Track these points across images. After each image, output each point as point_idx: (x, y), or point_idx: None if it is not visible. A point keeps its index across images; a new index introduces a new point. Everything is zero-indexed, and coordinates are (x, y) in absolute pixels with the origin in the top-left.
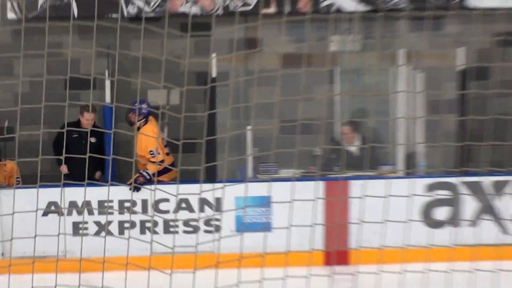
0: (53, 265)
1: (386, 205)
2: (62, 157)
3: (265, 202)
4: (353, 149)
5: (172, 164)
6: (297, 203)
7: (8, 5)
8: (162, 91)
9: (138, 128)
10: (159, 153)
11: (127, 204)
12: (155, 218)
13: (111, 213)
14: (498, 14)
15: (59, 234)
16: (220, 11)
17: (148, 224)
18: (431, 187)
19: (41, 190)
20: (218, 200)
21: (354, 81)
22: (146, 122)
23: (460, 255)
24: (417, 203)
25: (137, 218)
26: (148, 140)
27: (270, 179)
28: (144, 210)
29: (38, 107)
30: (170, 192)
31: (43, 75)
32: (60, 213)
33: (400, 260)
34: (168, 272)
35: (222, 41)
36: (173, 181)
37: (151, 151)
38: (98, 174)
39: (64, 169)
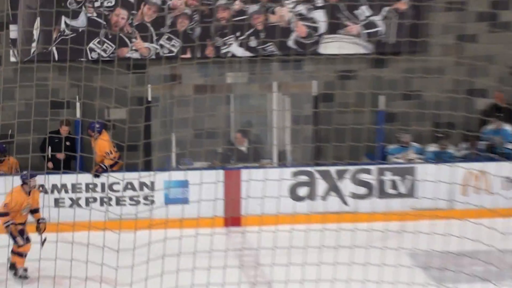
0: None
1: (265, 185)
2: (45, 155)
3: (183, 184)
4: (243, 148)
5: (120, 158)
6: (205, 185)
7: (11, 52)
8: (113, 109)
9: (96, 138)
10: (111, 153)
11: (91, 186)
12: (110, 195)
13: (80, 192)
14: (337, 58)
15: (43, 206)
16: (153, 56)
17: (105, 199)
18: (295, 174)
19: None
20: (152, 183)
21: (243, 103)
22: (100, 133)
23: (315, 219)
24: (286, 184)
25: (97, 195)
26: (104, 144)
27: (186, 169)
28: (102, 190)
29: (30, 121)
30: (119, 177)
31: (33, 99)
32: (45, 192)
33: (274, 222)
34: (117, 232)
35: (155, 76)
36: (121, 170)
37: (106, 152)
38: (61, 155)
39: (50, 165)
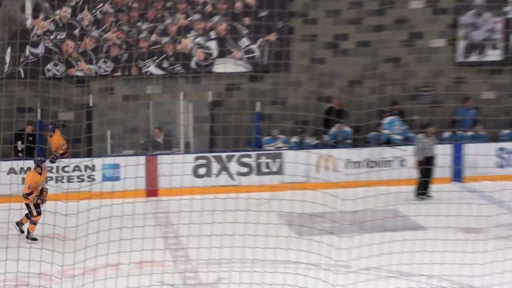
0: (10, 199)
1: (174, 167)
2: (14, 146)
3: (115, 166)
4: (159, 140)
5: (68, 148)
6: (131, 167)
7: None
8: (63, 113)
9: (51, 135)
10: (63, 145)
11: (48, 168)
12: (62, 175)
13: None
14: (225, 74)
15: (11, 183)
16: (93, 74)
17: (59, 178)
18: (196, 158)
19: (4, 162)
20: (93, 166)
21: (158, 107)
22: (54, 131)
23: (209, 191)
24: (190, 166)
25: (53, 175)
26: (57, 139)
27: (118, 155)
28: (57, 171)
29: (1, 122)
30: (67, 162)
31: (4, 106)
32: (15, 173)
33: (179, 193)
34: (65, 202)
35: (95, 88)
36: (69, 157)
37: (59, 144)
38: (20, 146)
39: (20, 154)
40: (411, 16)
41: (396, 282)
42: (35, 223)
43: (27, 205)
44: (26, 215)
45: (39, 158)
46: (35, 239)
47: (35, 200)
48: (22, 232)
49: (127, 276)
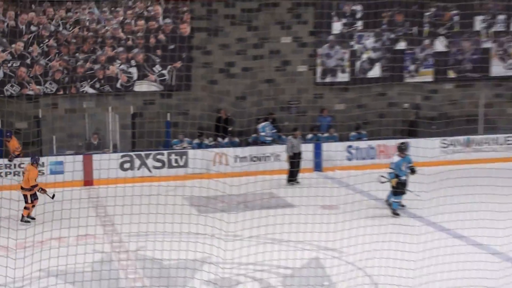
0: None
1: (104, 163)
2: None
3: (60, 163)
4: (95, 142)
5: (22, 150)
6: (71, 163)
7: None
8: (18, 122)
9: (9, 140)
10: (18, 148)
11: (7, 165)
12: (18, 170)
13: (1, 169)
14: (143, 92)
15: None
16: (41, 93)
17: (15, 173)
18: (122, 156)
19: None
20: (42, 163)
21: (93, 118)
22: (11, 137)
23: (131, 181)
24: (117, 162)
25: (11, 170)
26: (13, 143)
27: (62, 154)
28: (14, 168)
29: None
30: (22, 161)
31: None
32: None
33: (108, 183)
34: (19, 190)
35: (43, 104)
36: (22, 157)
37: (16, 147)
38: None
39: None
40: (282, 48)
41: (272, 247)
42: (28, 209)
43: (25, 196)
44: (25, 207)
45: (36, 156)
46: (28, 221)
47: (39, 191)
48: (32, 218)
49: (67, 247)
